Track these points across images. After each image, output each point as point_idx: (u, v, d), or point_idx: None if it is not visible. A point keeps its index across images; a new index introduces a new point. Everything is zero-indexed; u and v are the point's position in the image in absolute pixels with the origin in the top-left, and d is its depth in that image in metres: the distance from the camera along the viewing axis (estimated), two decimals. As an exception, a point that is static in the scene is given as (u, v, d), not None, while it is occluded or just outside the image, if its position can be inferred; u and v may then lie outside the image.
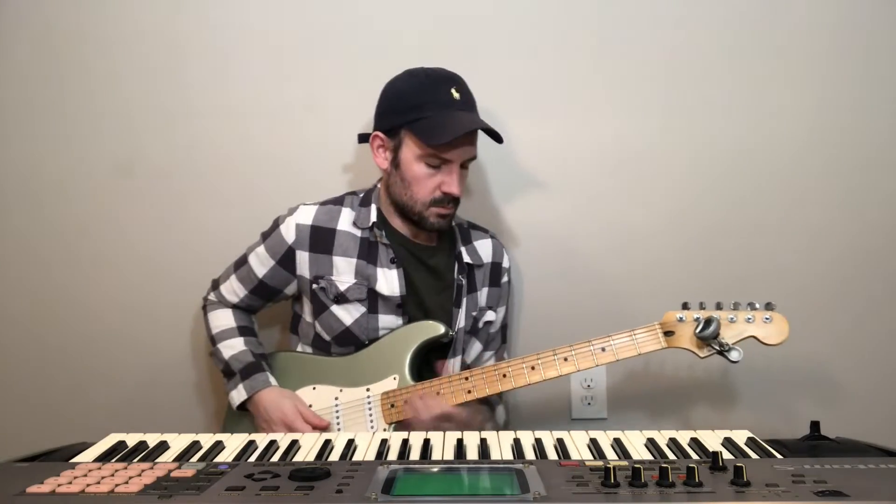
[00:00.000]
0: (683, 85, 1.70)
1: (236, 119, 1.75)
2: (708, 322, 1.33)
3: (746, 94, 1.70)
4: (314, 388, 1.49)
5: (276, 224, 1.52)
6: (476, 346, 1.59)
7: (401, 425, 1.42)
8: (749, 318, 1.35)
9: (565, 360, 1.39)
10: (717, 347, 1.34)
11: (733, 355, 1.33)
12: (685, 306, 1.38)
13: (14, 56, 1.76)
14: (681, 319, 1.37)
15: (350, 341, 1.49)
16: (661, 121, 1.71)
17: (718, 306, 1.38)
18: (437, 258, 1.54)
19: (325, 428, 1.42)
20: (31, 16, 1.75)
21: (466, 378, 1.41)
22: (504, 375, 1.40)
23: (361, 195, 1.54)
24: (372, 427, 1.44)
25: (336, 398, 1.47)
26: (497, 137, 1.45)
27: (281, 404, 1.43)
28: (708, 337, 1.33)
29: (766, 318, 1.35)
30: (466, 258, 1.56)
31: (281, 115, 1.74)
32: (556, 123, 1.72)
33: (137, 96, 1.75)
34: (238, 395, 1.47)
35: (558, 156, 1.73)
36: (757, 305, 1.36)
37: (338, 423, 1.46)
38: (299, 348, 1.58)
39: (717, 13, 1.68)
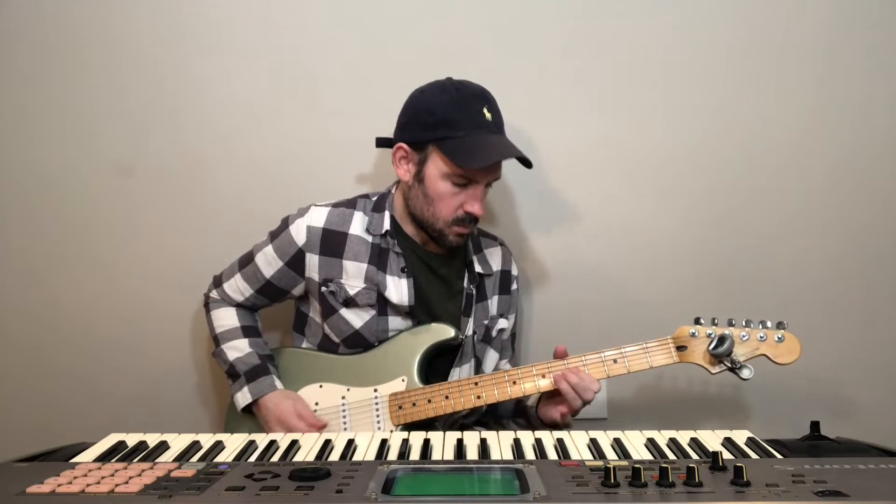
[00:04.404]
0: (683, 85, 1.70)
1: (238, 118, 1.74)
2: (721, 339, 1.34)
3: (748, 94, 1.70)
4: (321, 386, 1.49)
5: (286, 224, 1.50)
6: (492, 355, 1.58)
7: (408, 427, 1.42)
8: (761, 337, 1.36)
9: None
10: (729, 364, 1.35)
11: (745, 373, 1.34)
12: (697, 321, 1.38)
13: (14, 56, 1.76)
14: (693, 335, 1.38)
15: (359, 343, 1.49)
16: (661, 122, 1.71)
17: (730, 323, 1.38)
18: (447, 267, 1.53)
19: (320, 428, 1.41)
20: (30, 15, 1.75)
21: (476, 383, 1.41)
22: (514, 382, 1.40)
23: (374, 199, 1.52)
24: (379, 428, 1.43)
25: (343, 397, 1.47)
26: (527, 163, 1.43)
27: (280, 405, 1.43)
28: (721, 354, 1.34)
29: (779, 338, 1.36)
30: (478, 268, 1.55)
31: (284, 114, 1.74)
32: (556, 125, 1.72)
33: (138, 96, 1.75)
34: (243, 397, 1.47)
35: (562, 158, 1.73)
36: (769, 324, 1.37)
37: (344, 423, 1.45)
38: (304, 345, 1.58)
39: (718, 13, 1.68)
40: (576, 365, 1.39)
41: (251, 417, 1.49)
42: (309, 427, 1.39)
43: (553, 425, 1.41)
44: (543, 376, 1.40)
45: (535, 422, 1.48)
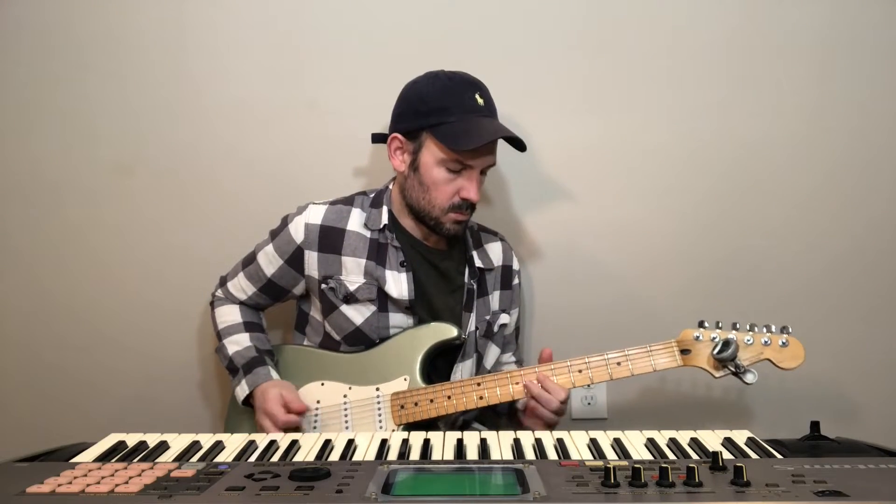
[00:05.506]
0: (683, 85, 1.70)
1: (238, 117, 1.74)
2: (726, 343, 1.33)
3: (748, 94, 1.70)
4: (322, 384, 1.48)
5: (285, 223, 1.51)
6: (494, 350, 1.58)
7: (410, 427, 1.41)
8: (766, 341, 1.35)
9: (580, 371, 1.39)
10: (733, 369, 1.34)
11: (748, 377, 1.33)
12: (701, 324, 1.38)
13: (14, 56, 1.76)
14: (697, 338, 1.37)
15: (360, 340, 1.48)
16: (661, 122, 1.71)
17: (735, 326, 1.38)
18: (447, 261, 1.53)
19: (300, 413, 1.38)
20: (31, 15, 1.75)
21: (478, 384, 1.41)
22: (517, 383, 1.40)
23: (372, 196, 1.53)
24: (381, 427, 1.43)
25: (345, 395, 1.46)
26: (521, 146, 1.43)
27: (267, 394, 1.41)
28: (726, 359, 1.33)
29: (783, 343, 1.35)
30: (478, 262, 1.55)
31: (283, 114, 1.74)
32: (556, 125, 1.72)
33: (138, 96, 1.75)
34: (241, 390, 1.47)
35: (562, 158, 1.73)
36: (773, 328, 1.36)
37: (346, 422, 1.45)
38: (306, 344, 1.57)
39: (718, 13, 1.68)
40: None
41: (252, 414, 1.49)
42: (287, 416, 1.36)
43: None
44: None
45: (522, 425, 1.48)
